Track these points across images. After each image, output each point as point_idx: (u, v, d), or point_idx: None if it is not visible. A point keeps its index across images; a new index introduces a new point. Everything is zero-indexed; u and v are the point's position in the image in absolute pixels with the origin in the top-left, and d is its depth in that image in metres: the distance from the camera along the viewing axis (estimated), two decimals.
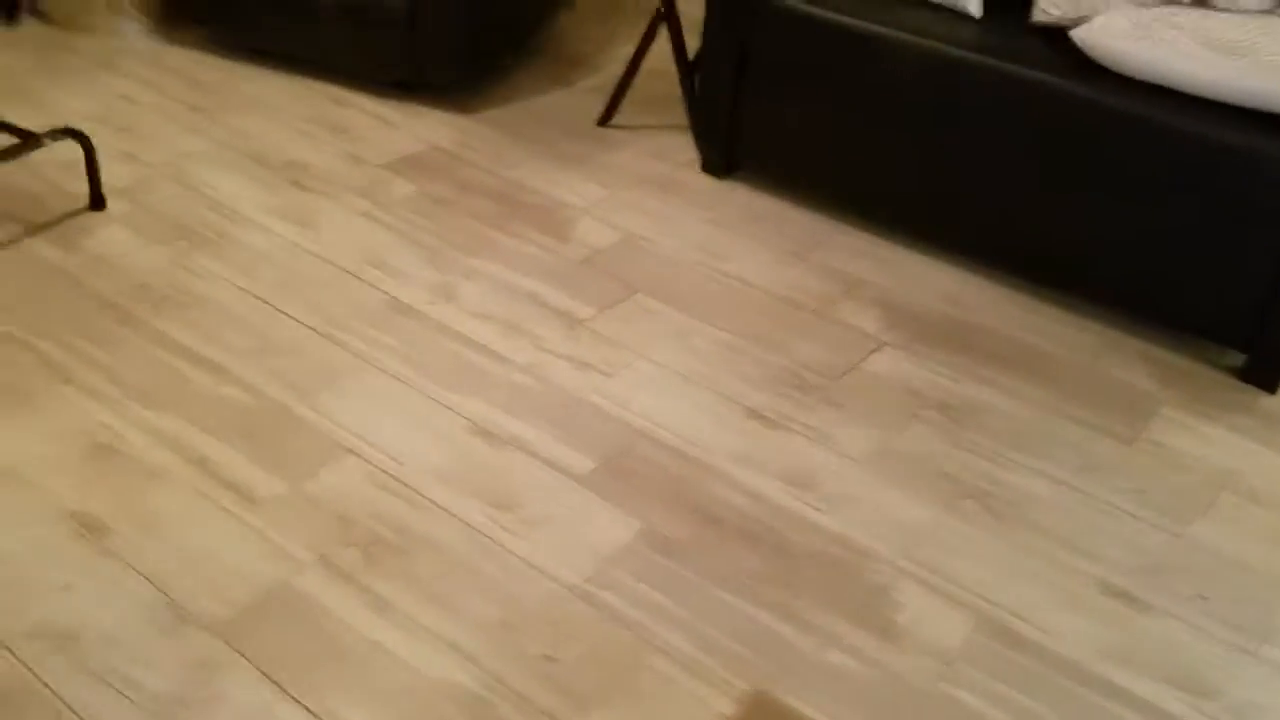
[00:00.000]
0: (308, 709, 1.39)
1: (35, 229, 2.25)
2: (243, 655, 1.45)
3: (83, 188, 2.35)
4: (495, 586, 1.57)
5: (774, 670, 1.49)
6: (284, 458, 1.77)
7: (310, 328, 2.05)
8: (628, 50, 3.03)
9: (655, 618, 1.55)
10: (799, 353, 2.10)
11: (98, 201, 2.33)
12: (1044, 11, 2.23)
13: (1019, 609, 1.61)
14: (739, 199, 2.56)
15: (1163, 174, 2.06)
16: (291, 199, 2.43)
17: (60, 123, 2.55)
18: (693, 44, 2.67)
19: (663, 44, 2.75)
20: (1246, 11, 2.12)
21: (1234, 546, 1.75)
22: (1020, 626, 1.58)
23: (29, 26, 3.09)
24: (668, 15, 2.68)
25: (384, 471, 1.75)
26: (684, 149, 2.73)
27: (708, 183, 2.62)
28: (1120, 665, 1.53)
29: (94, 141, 2.32)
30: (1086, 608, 1.62)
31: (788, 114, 2.46)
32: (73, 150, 2.39)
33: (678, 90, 2.80)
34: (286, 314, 2.08)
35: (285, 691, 1.41)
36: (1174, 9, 2.13)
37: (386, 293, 2.16)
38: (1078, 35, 2.12)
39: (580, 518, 1.70)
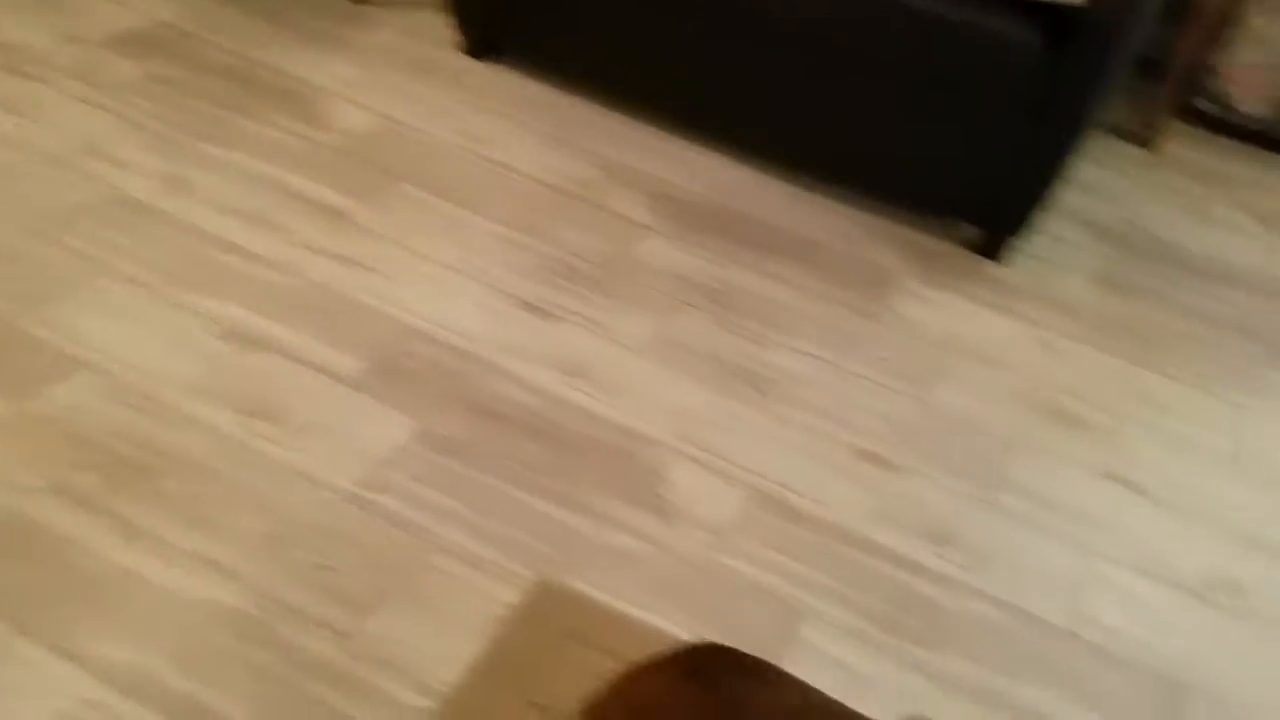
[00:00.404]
0: (53, 646, 1.28)
1: None
2: None
3: None
4: (258, 500, 1.49)
5: (557, 557, 1.49)
6: (4, 376, 1.59)
7: (28, 230, 1.84)
8: None
9: (434, 517, 1.51)
10: (569, 241, 2.07)
11: None
12: None
13: (787, 480, 1.67)
14: (503, 83, 2.47)
15: (905, 55, 2.13)
16: None
17: None
18: None
19: None
20: None
21: (968, 406, 1.89)
22: (789, 497, 1.65)
23: None
24: None
25: (123, 385, 1.61)
26: (445, 29, 2.60)
27: (470, 65, 2.50)
28: (879, 524, 1.64)
29: None
30: (847, 474, 1.71)
31: None
32: None
33: None
34: None
35: (24, 629, 1.29)
36: None
37: (113, 186, 1.96)
38: None
39: (350, 421, 1.63)
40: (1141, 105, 2.80)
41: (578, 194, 2.19)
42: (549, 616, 1.40)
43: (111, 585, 1.35)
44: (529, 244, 2.04)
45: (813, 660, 1.41)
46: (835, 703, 1.04)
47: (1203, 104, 2.77)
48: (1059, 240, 2.33)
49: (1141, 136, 2.75)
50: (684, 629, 1.40)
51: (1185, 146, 2.78)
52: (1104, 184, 2.55)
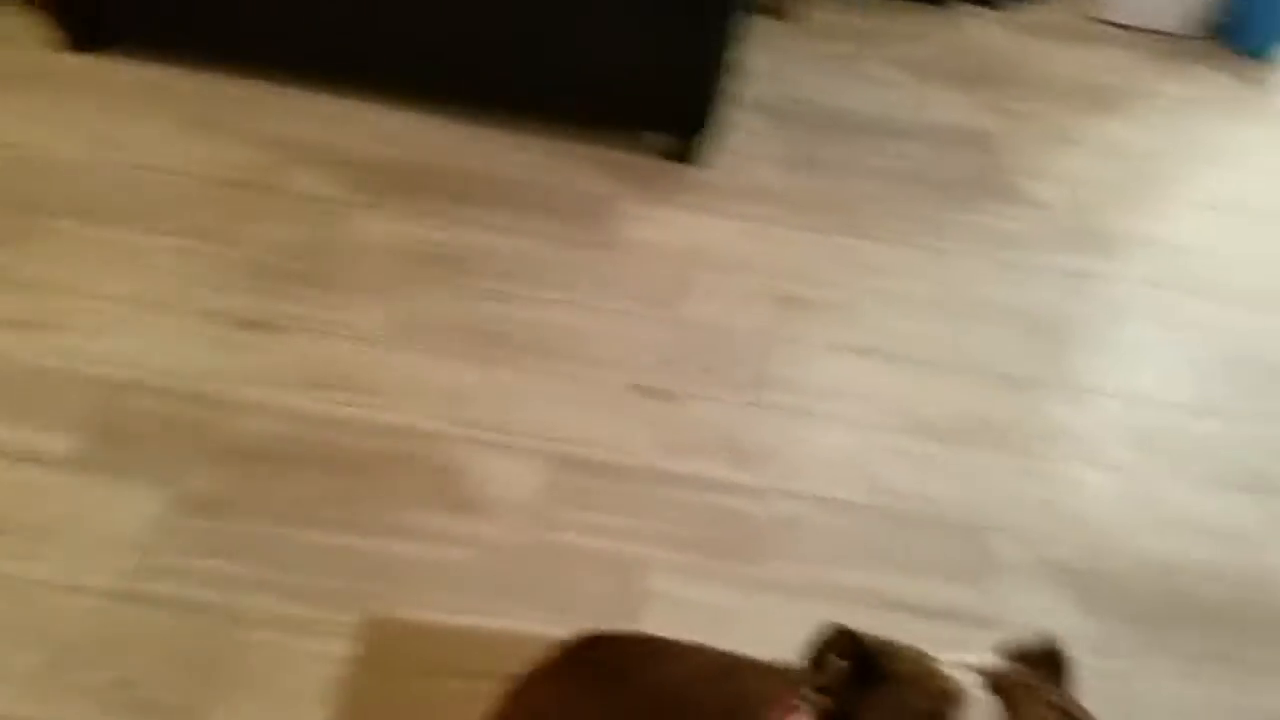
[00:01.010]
0: None
1: None
2: None
3: None
4: (20, 630, 1.26)
5: (377, 591, 1.38)
6: None
7: None
8: None
9: (224, 589, 1.35)
10: (260, 238, 1.87)
11: None
12: None
13: (578, 436, 1.64)
14: (123, 75, 2.16)
15: None
16: None
17: None
18: None
19: None
20: None
21: (716, 315, 1.93)
22: (586, 452, 1.62)
23: None
24: None
25: None
26: (36, 26, 2.22)
27: (79, 62, 2.17)
28: (676, 455, 1.64)
29: None
30: (631, 413, 1.70)
31: None
32: None
33: None
34: None
35: None
36: None
37: None
38: None
39: (87, 509, 1.40)
40: None
41: (250, 182, 1.98)
42: (394, 657, 1.30)
43: None
44: (214, 251, 1.82)
45: (669, 609, 1.41)
46: (725, 655, 1.04)
47: None
48: (744, 131, 2.40)
49: (785, 10, 2.87)
50: (538, 622, 1.35)
51: (830, 11, 2.93)
52: (769, 66, 2.64)
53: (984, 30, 3.10)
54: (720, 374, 1.80)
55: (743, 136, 2.37)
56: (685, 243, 2.07)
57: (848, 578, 1.50)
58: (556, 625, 1.15)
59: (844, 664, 0.74)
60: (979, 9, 3.16)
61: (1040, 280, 2.15)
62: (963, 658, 0.74)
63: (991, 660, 0.75)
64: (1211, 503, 1.73)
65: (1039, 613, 1.50)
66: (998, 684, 0.70)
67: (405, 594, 1.38)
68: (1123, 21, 3.25)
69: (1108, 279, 2.20)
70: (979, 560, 1.57)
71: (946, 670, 0.72)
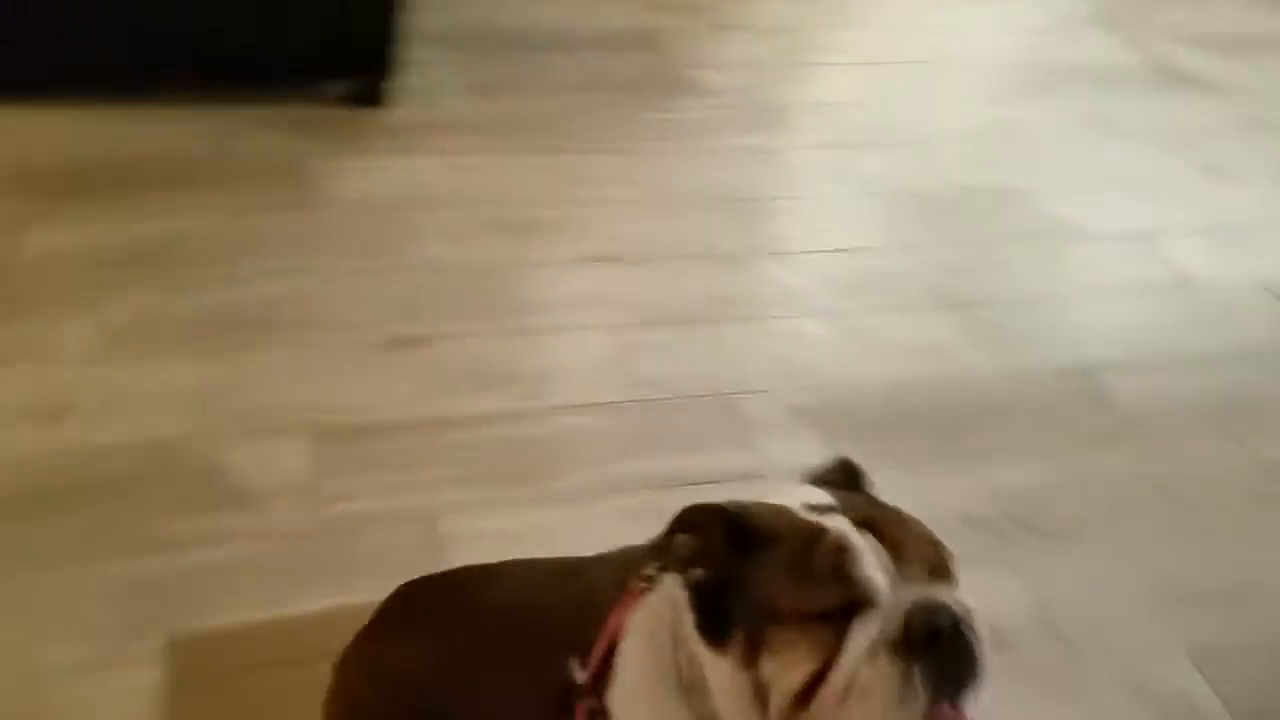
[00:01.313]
0: None
1: None
2: None
3: None
4: None
5: (171, 609, 1.32)
6: None
7: None
8: None
9: (9, 652, 1.25)
10: None
11: None
12: None
13: (337, 404, 1.61)
14: None
15: None
16: None
17: None
18: None
19: None
20: None
21: (444, 253, 1.93)
22: (349, 418, 1.59)
23: None
24: None
25: None
26: None
27: None
28: (441, 399, 1.65)
29: None
30: (387, 368, 1.69)
31: None
32: None
33: None
34: None
35: None
36: None
37: None
38: None
39: None
40: None
41: None
42: (212, 666, 1.26)
43: None
44: None
45: (473, 546, 1.43)
46: (562, 559, 1.07)
47: None
48: (425, 65, 2.37)
49: None
50: (349, 595, 1.34)
51: None
52: None
53: None
54: (467, 310, 1.82)
55: (425, 71, 2.35)
56: (394, 188, 2.05)
57: (631, 470, 1.58)
58: (368, 593, 1.16)
59: (693, 541, 0.80)
60: None
61: (730, 162, 2.30)
62: (802, 499, 0.81)
63: (817, 494, 0.83)
64: (914, 326, 1.94)
65: (795, 454, 1.65)
66: (859, 520, 0.78)
67: (201, 604, 1.33)
68: None
69: (787, 149, 2.38)
70: (736, 423, 1.69)
71: (817, 518, 0.78)
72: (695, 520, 0.80)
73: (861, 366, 1.82)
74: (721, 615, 0.78)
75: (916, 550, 0.76)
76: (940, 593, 0.75)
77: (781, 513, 0.79)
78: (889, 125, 2.51)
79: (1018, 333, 1.93)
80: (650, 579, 0.85)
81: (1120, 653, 1.39)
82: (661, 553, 0.82)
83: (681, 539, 0.81)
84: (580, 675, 0.88)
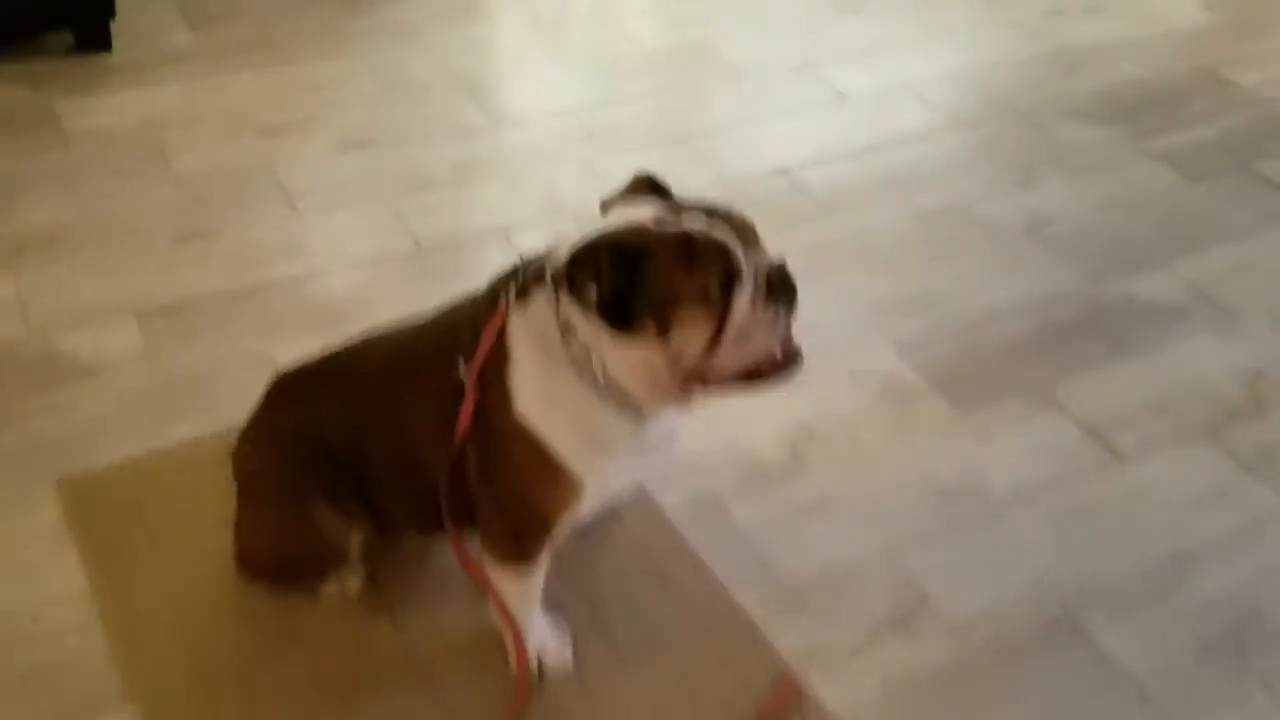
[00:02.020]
0: None
1: None
2: None
3: None
4: None
5: (49, 464, 1.46)
6: None
7: None
8: None
9: None
10: None
11: None
12: None
13: (149, 291, 1.75)
14: None
15: None
16: None
17: None
18: None
19: None
20: None
21: (205, 163, 2.08)
22: (164, 298, 1.74)
23: None
24: None
25: None
26: None
27: None
28: (241, 273, 1.82)
29: None
30: (181, 259, 1.84)
31: None
32: None
33: None
34: None
35: None
36: None
37: None
38: None
39: None
40: None
41: None
42: (98, 498, 1.41)
43: None
44: None
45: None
46: (426, 314, 1.26)
47: None
48: (143, 4, 2.46)
49: None
50: (203, 428, 1.51)
51: None
52: None
53: None
54: (242, 203, 1.98)
55: (142, 10, 2.44)
56: (141, 116, 2.16)
57: (429, 301, 1.82)
58: (221, 424, 1.36)
59: (588, 275, 1.00)
60: None
61: (447, 50, 2.53)
62: (648, 215, 1.04)
63: (651, 208, 1.07)
64: (645, 160, 2.24)
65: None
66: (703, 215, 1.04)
67: (79, 454, 1.48)
68: None
69: (497, 34, 2.65)
70: (514, 252, 1.96)
71: (675, 225, 1.02)
72: (584, 258, 1.02)
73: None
74: (622, 315, 1.02)
75: (742, 227, 1.06)
76: (768, 253, 1.06)
77: (643, 230, 1.03)
78: (582, 6, 2.81)
79: (727, 152, 2.29)
80: (518, 298, 1.09)
81: (841, 352, 1.78)
82: (571, 288, 1.02)
83: (581, 276, 1.02)
84: (465, 373, 1.12)
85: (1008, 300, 1.91)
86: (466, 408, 1.11)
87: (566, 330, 1.06)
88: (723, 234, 1.04)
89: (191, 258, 1.85)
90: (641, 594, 1.37)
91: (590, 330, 1.05)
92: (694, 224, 1.04)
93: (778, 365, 1.10)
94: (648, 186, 1.15)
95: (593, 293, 1.02)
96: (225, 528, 1.33)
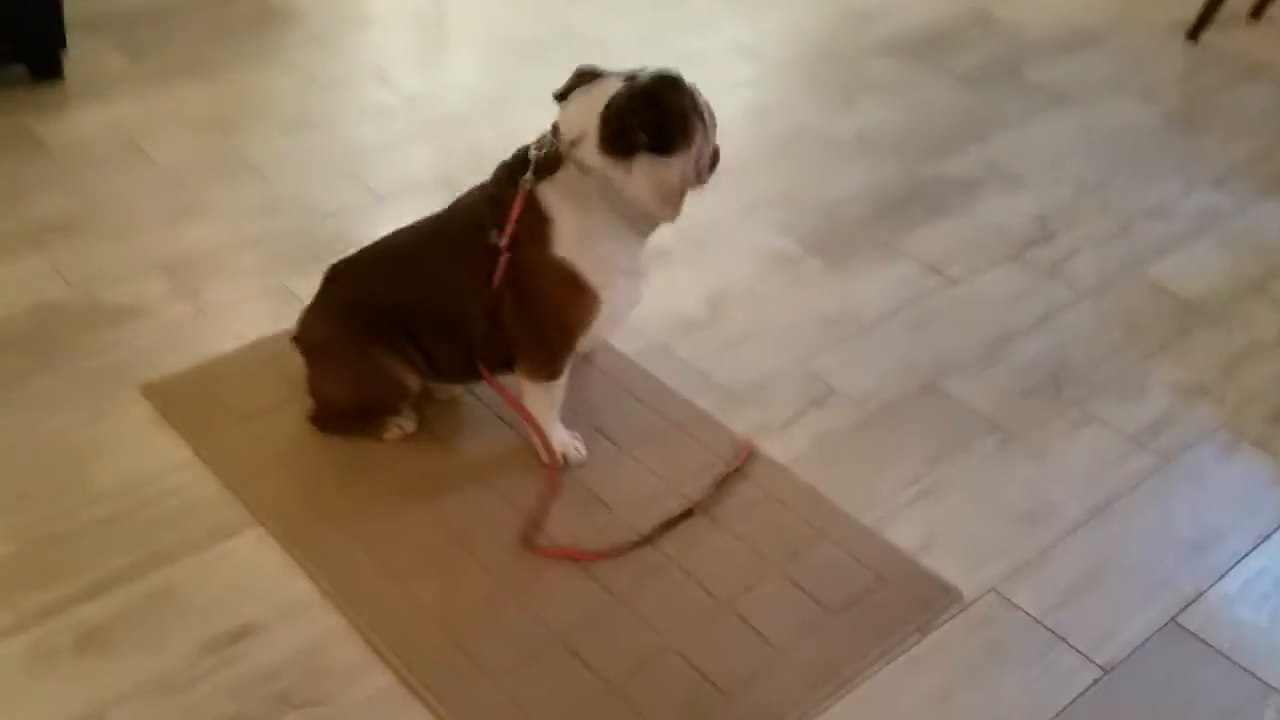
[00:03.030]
0: None
1: None
2: None
3: None
4: None
5: (127, 377, 1.78)
6: None
7: None
8: None
9: None
10: None
11: None
12: None
13: (169, 250, 2.08)
14: None
15: None
16: None
17: None
18: None
19: None
20: None
21: (176, 155, 2.40)
22: (188, 252, 2.07)
23: None
24: None
25: None
26: None
27: None
28: (238, 227, 2.16)
29: None
30: (187, 224, 2.16)
31: None
32: None
33: None
34: None
35: None
36: None
37: None
38: None
39: None
40: None
41: None
42: (179, 395, 1.75)
43: None
44: None
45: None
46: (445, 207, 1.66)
47: None
48: (84, 36, 2.74)
49: None
50: (252, 339, 1.86)
51: None
52: None
53: None
54: (223, 181, 2.32)
55: (77, 44, 2.72)
56: (109, 126, 2.47)
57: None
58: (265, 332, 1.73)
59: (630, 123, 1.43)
60: None
61: (350, 50, 2.90)
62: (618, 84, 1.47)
63: (615, 80, 1.49)
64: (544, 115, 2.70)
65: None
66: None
67: (151, 367, 1.81)
68: None
69: (391, 34, 3.03)
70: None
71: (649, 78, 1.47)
72: (622, 111, 1.43)
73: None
74: (665, 141, 1.46)
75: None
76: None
77: (637, 84, 1.46)
78: (455, 5, 3.23)
79: None
80: (538, 175, 1.50)
81: (738, 235, 2.26)
82: (618, 134, 1.44)
83: (627, 124, 1.44)
84: (498, 238, 1.52)
85: (851, 188, 2.43)
86: (502, 262, 1.52)
87: (603, 180, 1.48)
88: (692, 98, 1.51)
89: (192, 223, 2.18)
90: (624, 407, 1.80)
91: (620, 171, 1.47)
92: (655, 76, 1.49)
93: (714, 162, 1.58)
94: (591, 74, 1.54)
95: (637, 134, 1.44)
96: (292, 403, 1.71)
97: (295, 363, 1.69)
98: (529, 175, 1.52)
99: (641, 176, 1.49)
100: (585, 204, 1.51)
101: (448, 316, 1.59)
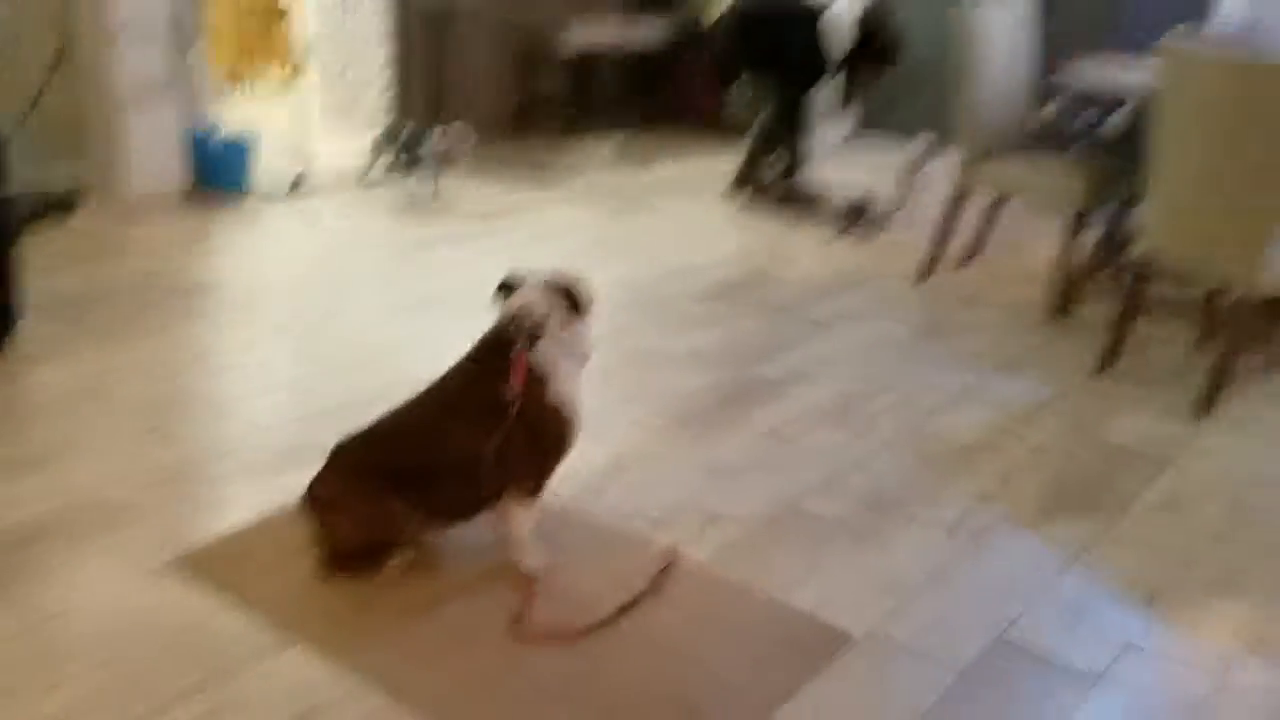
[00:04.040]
0: None
1: None
2: None
3: None
4: None
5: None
6: None
7: None
8: None
9: None
10: None
11: None
12: None
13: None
14: None
15: None
16: None
17: None
18: None
19: None
20: None
21: (136, 392, 2.77)
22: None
23: None
24: None
25: None
26: None
27: None
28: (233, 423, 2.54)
29: None
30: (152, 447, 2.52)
31: None
32: None
33: None
34: None
35: None
36: None
37: None
38: None
39: None
40: None
41: None
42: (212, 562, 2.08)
43: None
44: None
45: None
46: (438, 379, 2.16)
47: None
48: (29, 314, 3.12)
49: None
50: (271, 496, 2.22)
51: None
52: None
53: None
54: (187, 415, 2.69)
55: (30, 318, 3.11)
56: (61, 383, 2.82)
57: None
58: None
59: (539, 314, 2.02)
60: None
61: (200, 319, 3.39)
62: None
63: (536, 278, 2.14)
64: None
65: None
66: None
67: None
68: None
69: (256, 326, 3.54)
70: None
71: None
72: (586, 293, 2.07)
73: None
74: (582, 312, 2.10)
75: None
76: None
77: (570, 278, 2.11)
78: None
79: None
80: (530, 343, 2.05)
81: (622, 417, 2.82)
82: (517, 327, 2.03)
83: (585, 301, 2.08)
84: (511, 391, 2.03)
85: (697, 385, 3.08)
86: (513, 412, 2.01)
87: (572, 340, 2.09)
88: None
89: (156, 443, 2.55)
90: (570, 533, 2.27)
91: (581, 331, 2.10)
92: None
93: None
94: (516, 279, 2.13)
95: (586, 302, 2.11)
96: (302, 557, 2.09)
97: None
98: (521, 345, 2.04)
99: (583, 333, 2.11)
100: (559, 360, 2.07)
101: (458, 462, 2.03)
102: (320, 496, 2.07)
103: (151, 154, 4.36)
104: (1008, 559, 2.34)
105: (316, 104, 6.06)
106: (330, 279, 3.85)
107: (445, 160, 4.83)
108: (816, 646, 2.00)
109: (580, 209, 4.92)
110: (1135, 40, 4.01)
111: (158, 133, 4.35)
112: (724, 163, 5.36)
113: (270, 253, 4.14)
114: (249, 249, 4.16)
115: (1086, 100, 4.19)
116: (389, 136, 5.04)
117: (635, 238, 4.51)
